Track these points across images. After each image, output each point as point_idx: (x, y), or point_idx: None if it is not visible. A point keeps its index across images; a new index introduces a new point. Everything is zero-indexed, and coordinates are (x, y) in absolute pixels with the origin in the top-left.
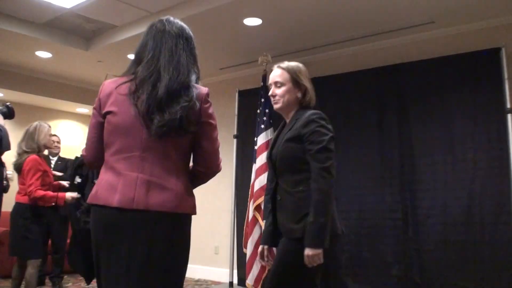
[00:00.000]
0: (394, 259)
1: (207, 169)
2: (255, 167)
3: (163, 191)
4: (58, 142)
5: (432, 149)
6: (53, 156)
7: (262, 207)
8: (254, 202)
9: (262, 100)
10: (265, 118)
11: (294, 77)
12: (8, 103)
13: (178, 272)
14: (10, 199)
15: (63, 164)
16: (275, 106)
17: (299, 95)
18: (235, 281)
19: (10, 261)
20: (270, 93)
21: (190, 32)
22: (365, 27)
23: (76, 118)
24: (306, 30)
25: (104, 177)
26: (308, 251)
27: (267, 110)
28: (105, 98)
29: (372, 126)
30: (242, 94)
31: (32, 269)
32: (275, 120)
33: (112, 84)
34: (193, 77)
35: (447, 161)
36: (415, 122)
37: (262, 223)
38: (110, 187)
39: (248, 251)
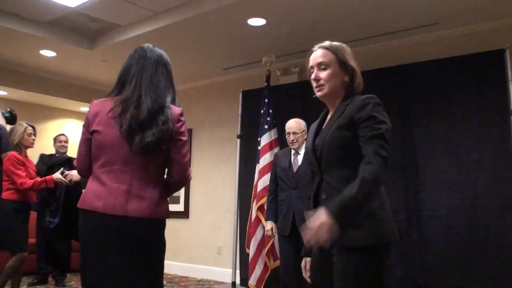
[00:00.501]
0: (397, 260)
1: (178, 180)
2: (258, 167)
3: (141, 199)
4: (66, 142)
5: (435, 151)
6: (60, 156)
7: (266, 207)
8: (257, 202)
9: (266, 100)
10: (268, 119)
11: (340, 58)
12: (12, 109)
13: (158, 268)
14: None
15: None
16: (319, 93)
17: (346, 78)
18: (238, 281)
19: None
20: (312, 76)
21: (168, 59)
22: (368, 27)
23: (80, 117)
24: (310, 30)
25: (91, 186)
26: (322, 216)
27: (270, 111)
28: (93, 118)
29: None
30: (246, 94)
31: (15, 261)
32: (278, 120)
33: (100, 105)
34: (169, 99)
35: (451, 163)
36: (418, 124)
37: (265, 223)
38: (96, 195)
39: (251, 251)
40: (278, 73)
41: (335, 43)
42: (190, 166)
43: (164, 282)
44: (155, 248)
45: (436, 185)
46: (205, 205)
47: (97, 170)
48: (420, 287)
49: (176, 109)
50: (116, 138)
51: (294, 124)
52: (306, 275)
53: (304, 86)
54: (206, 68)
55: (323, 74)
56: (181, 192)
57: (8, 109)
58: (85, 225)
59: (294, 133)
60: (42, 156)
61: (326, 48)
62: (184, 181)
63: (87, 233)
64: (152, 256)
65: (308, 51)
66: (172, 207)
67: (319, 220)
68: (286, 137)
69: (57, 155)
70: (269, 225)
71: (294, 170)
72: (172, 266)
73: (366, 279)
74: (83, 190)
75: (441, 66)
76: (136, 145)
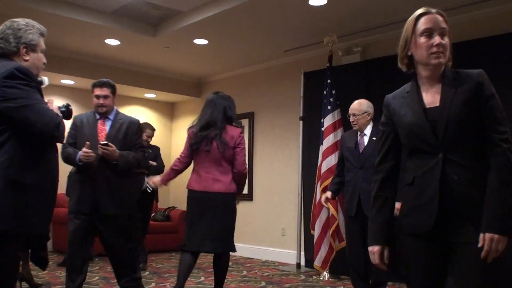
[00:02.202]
0: None
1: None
2: (322, 148)
3: (219, 182)
4: (151, 137)
5: None
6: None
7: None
8: (321, 184)
9: (328, 81)
10: (331, 99)
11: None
12: (68, 104)
13: (229, 219)
14: None
15: (153, 152)
16: (437, 61)
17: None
18: (302, 262)
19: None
20: (434, 41)
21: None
22: (431, 3)
23: (144, 104)
24: (372, 8)
25: (193, 176)
26: (492, 236)
27: (333, 91)
28: (192, 135)
29: None
30: (308, 76)
31: None
32: (341, 101)
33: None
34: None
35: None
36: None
37: (330, 205)
38: (196, 181)
39: (316, 232)
40: (340, 53)
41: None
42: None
43: (230, 263)
44: (228, 207)
45: None
46: (268, 187)
47: (196, 166)
48: None
49: (236, 130)
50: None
51: (355, 106)
52: (381, 262)
53: (367, 65)
54: (267, 50)
55: (445, 41)
56: None
57: (65, 104)
58: (190, 198)
59: (353, 114)
60: None
61: (443, 15)
62: (243, 173)
63: (192, 202)
64: (226, 211)
65: (372, 29)
66: None
67: (496, 245)
68: (348, 118)
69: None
70: (327, 193)
71: (360, 151)
72: (237, 247)
73: (499, 270)
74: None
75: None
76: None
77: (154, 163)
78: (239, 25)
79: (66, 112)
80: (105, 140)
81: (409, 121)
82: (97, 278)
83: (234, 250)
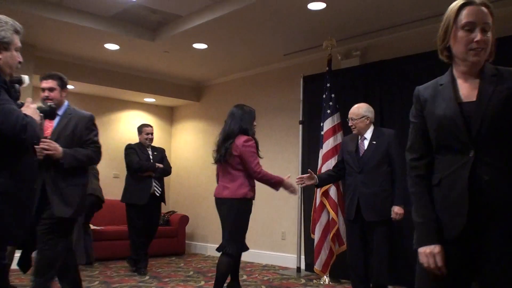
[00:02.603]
0: None
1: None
2: (321, 152)
3: (227, 189)
4: (152, 134)
5: None
6: (147, 147)
7: (330, 193)
8: (321, 188)
9: (328, 85)
10: (331, 103)
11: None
12: (51, 104)
13: (236, 222)
14: None
15: (159, 154)
16: (476, 58)
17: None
18: (303, 266)
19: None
20: (475, 37)
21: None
22: (431, 6)
23: (144, 108)
24: (371, 12)
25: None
26: None
27: (333, 95)
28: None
29: None
30: (307, 80)
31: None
32: (341, 104)
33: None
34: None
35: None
36: None
37: (330, 209)
38: (216, 188)
39: (316, 236)
40: (339, 57)
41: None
42: (256, 164)
43: None
44: (232, 212)
45: None
46: (268, 191)
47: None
48: None
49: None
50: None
51: (353, 110)
52: (437, 265)
53: (366, 69)
54: (266, 54)
55: (487, 37)
56: None
57: (49, 104)
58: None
59: (352, 119)
60: (134, 148)
61: (488, 6)
62: (254, 176)
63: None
64: (231, 215)
65: (371, 33)
66: None
67: None
68: (348, 122)
69: (146, 147)
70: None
71: (360, 154)
72: None
73: None
74: None
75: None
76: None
77: (161, 165)
78: (238, 29)
79: (49, 112)
80: (50, 137)
81: (441, 113)
82: (97, 282)
83: (237, 251)
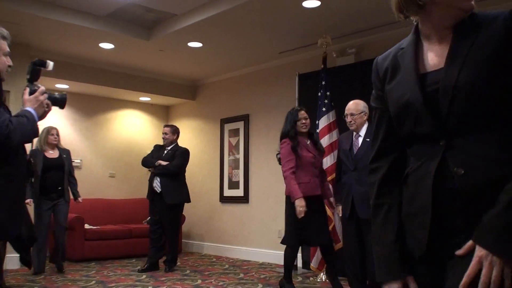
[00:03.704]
0: None
1: None
2: None
3: None
4: (166, 133)
5: None
6: (167, 146)
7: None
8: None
9: (323, 82)
10: (326, 101)
11: None
12: (64, 93)
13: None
14: None
15: (171, 153)
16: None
17: None
18: (299, 264)
19: (81, 245)
20: None
21: None
22: None
23: (139, 107)
24: (366, 9)
25: None
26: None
27: (328, 93)
28: None
29: None
30: (302, 78)
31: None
32: (336, 102)
33: None
34: None
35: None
36: None
37: (326, 207)
38: None
39: None
40: (334, 55)
41: None
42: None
43: (227, 266)
44: (286, 207)
45: None
46: (264, 189)
47: None
48: None
49: None
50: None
51: (351, 106)
52: None
53: (361, 66)
54: (261, 52)
55: None
56: (240, 178)
57: (62, 92)
58: None
59: (351, 114)
60: (155, 147)
61: None
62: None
63: None
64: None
65: (366, 31)
66: (232, 193)
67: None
68: (345, 118)
69: (165, 146)
70: (339, 209)
71: (354, 152)
72: (234, 250)
73: None
74: None
75: None
76: None
77: (163, 163)
78: (234, 27)
79: (60, 100)
80: None
81: (399, 92)
82: (93, 282)
83: (285, 243)
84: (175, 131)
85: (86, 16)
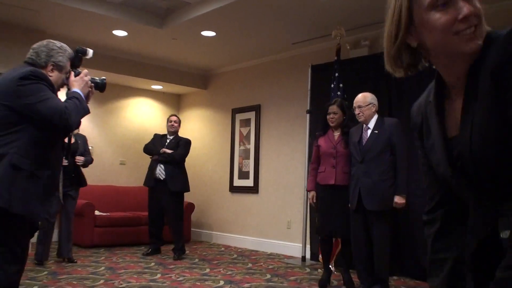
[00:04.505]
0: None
1: None
2: None
3: None
4: (175, 122)
5: None
6: (170, 135)
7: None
8: None
9: (336, 74)
10: (339, 93)
11: None
12: (104, 78)
13: None
14: None
15: (175, 142)
16: (471, 45)
17: None
18: (308, 255)
19: (91, 232)
20: (463, 11)
21: None
22: None
23: (151, 95)
24: (380, 1)
25: None
26: None
27: (341, 85)
28: None
29: None
30: (315, 69)
31: None
32: (348, 94)
33: None
34: None
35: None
36: None
37: None
38: None
39: None
40: (348, 47)
41: None
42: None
43: (235, 256)
44: None
45: None
46: (274, 180)
47: None
48: None
49: None
50: None
51: (359, 98)
52: None
53: (375, 59)
54: (274, 43)
55: (476, 6)
56: (251, 168)
57: (102, 77)
58: None
59: (359, 106)
60: (155, 136)
61: None
62: None
63: None
64: None
65: (381, 23)
66: (242, 182)
67: None
68: (353, 111)
69: (168, 135)
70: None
71: (363, 144)
72: (242, 240)
73: None
74: None
75: None
76: None
77: (168, 151)
78: (247, 17)
79: (101, 85)
80: None
81: (434, 160)
82: (103, 268)
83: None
84: (180, 122)
85: (101, 2)
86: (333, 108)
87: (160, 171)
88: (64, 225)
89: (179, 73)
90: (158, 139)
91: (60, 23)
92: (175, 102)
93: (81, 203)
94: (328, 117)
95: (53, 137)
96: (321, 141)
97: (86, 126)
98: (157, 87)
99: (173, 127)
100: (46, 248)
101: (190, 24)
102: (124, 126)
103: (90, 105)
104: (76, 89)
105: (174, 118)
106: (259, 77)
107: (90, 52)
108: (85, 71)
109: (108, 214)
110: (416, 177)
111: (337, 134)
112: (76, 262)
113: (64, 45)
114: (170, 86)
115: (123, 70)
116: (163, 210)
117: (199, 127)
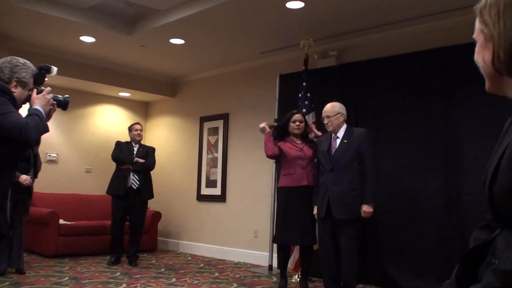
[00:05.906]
0: (436, 245)
1: None
2: None
3: None
4: (140, 130)
5: (478, 134)
6: (135, 144)
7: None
8: None
9: (304, 84)
10: (306, 102)
11: None
12: (67, 96)
13: None
14: None
15: (144, 151)
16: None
17: None
18: (275, 264)
19: (55, 241)
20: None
21: None
22: (408, 9)
23: (118, 103)
24: (349, 13)
25: None
26: None
27: (308, 94)
28: None
29: (417, 110)
30: (283, 78)
31: None
32: (316, 104)
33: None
34: None
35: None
36: (461, 106)
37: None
38: None
39: None
40: (316, 57)
41: None
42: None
43: (202, 265)
44: None
45: (478, 169)
46: (241, 189)
47: None
48: None
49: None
50: None
51: (328, 108)
52: None
53: (342, 69)
54: (243, 52)
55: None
56: (218, 176)
57: (65, 96)
58: None
59: (327, 116)
60: (119, 143)
61: None
62: None
63: None
64: None
65: (348, 34)
66: (209, 191)
67: None
68: (322, 121)
69: (133, 143)
70: (315, 209)
71: (332, 153)
72: (209, 249)
73: None
74: None
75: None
76: None
77: (141, 160)
78: (216, 25)
79: (63, 102)
80: None
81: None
82: (67, 278)
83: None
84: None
85: (67, 8)
86: (299, 116)
87: (134, 180)
88: (14, 231)
89: (147, 80)
90: (125, 147)
91: (25, 28)
92: (143, 110)
93: (45, 212)
94: (293, 125)
95: (9, 152)
96: (284, 147)
97: (52, 133)
98: (124, 94)
99: (140, 135)
100: (6, 259)
101: (159, 32)
102: (90, 133)
103: (56, 111)
104: (37, 106)
105: (139, 126)
106: (227, 86)
107: (55, 70)
108: (48, 88)
109: (73, 223)
110: (383, 185)
111: (299, 142)
112: (24, 273)
113: (28, 62)
114: (138, 93)
115: (90, 76)
116: (126, 218)
117: (167, 135)
